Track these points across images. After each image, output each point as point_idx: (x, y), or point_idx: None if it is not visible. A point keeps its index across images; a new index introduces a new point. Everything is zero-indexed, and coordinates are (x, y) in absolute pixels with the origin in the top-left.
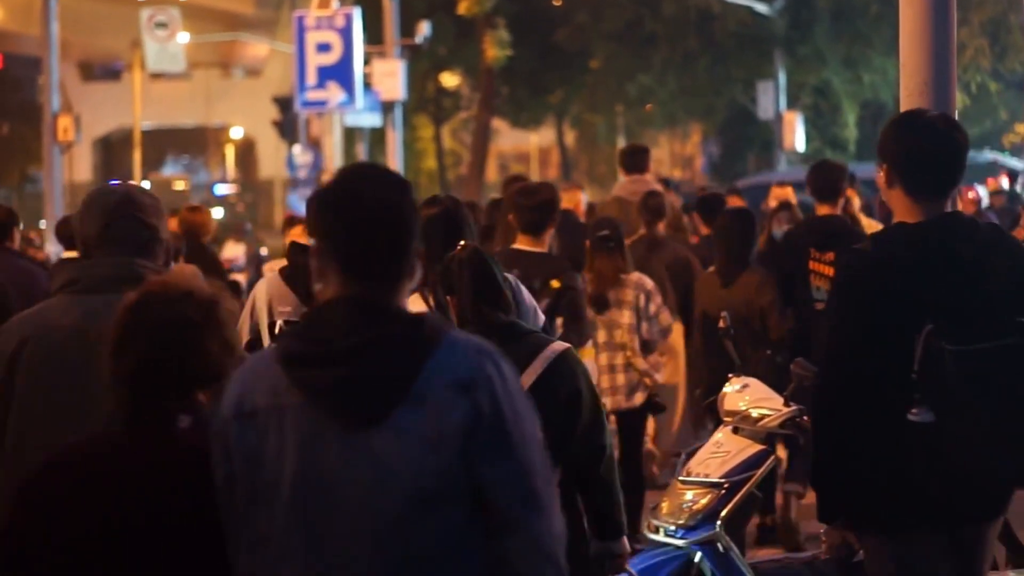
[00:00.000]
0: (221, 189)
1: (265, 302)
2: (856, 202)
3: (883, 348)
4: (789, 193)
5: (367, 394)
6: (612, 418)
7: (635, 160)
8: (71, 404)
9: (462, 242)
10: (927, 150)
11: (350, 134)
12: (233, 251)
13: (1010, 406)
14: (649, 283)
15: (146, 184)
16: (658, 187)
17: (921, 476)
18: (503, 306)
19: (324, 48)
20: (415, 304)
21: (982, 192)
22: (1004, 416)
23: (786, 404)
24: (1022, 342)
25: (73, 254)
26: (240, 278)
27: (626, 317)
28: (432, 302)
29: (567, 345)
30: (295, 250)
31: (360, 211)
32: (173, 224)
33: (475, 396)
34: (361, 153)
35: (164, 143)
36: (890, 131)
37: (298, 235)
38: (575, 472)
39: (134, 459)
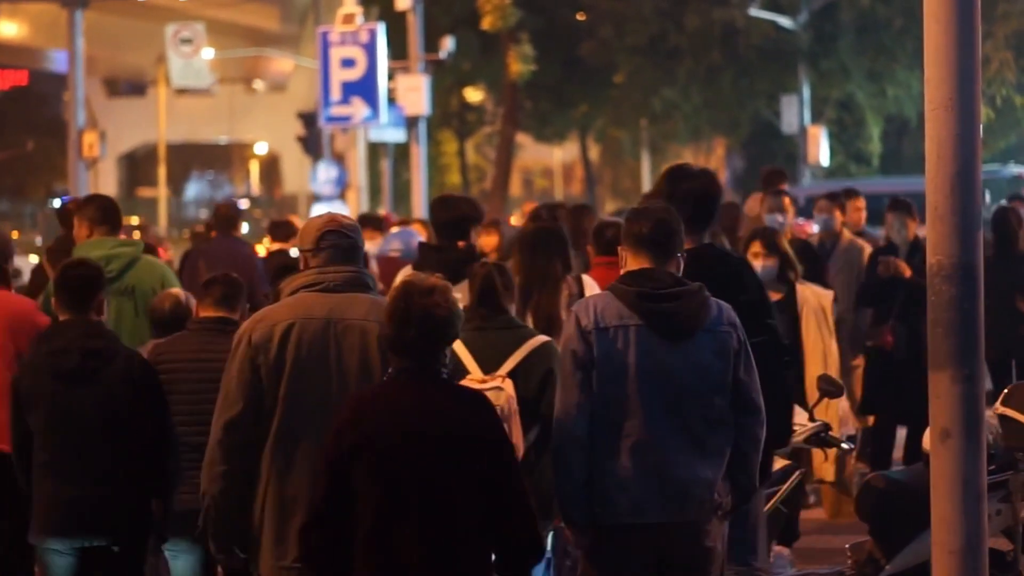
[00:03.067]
0: (241, 204)
1: None
2: (839, 217)
3: None
4: None
5: (682, 322)
6: None
7: (770, 180)
8: (323, 372)
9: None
10: (689, 193)
11: (374, 149)
12: None
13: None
14: None
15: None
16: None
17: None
18: (500, 308)
19: (348, 63)
20: None
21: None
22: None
23: (811, 419)
24: (770, 338)
25: (279, 245)
26: None
27: None
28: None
29: (547, 338)
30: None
31: (655, 222)
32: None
33: (737, 331)
34: (385, 168)
35: (189, 158)
36: (663, 179)
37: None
38: (546, 432)
39: (427, 399)
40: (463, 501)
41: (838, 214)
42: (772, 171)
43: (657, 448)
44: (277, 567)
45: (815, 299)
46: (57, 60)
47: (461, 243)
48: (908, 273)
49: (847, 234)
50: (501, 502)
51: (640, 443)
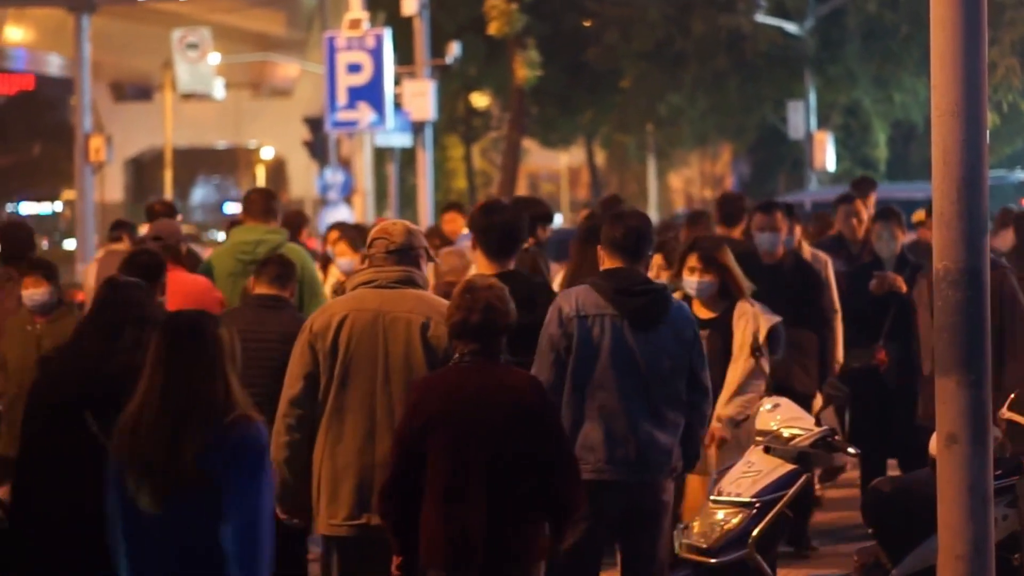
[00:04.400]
0: (229, 208)
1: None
2: (798, 232)
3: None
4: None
5: (649, 315)
6: None
7: (860, 188)
8: (371, 357)
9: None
10: (497, 226)
11: (380, 154)
12: None
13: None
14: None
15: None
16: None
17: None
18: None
19: (355, 68)
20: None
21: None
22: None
23: (817, 423)
24: (527, 360)
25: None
26: None
27: None
28: None
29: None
30: None
31: (627, 229)
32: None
33: (691, 326)
34: (391, 173)
35: (195, 163)
36: (476, 212)
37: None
38: None
39: (489, 379)
40: (522, 465)
41: (798, 229)
42: (861, 180)
43: (624, 418)
44: (329, 524)
45: (753, 317)
46: (63, 65)
47: (531, 240)
48: (904, 289)
49: (807, 249)
50: (551, 465)
51: (609, 413)
